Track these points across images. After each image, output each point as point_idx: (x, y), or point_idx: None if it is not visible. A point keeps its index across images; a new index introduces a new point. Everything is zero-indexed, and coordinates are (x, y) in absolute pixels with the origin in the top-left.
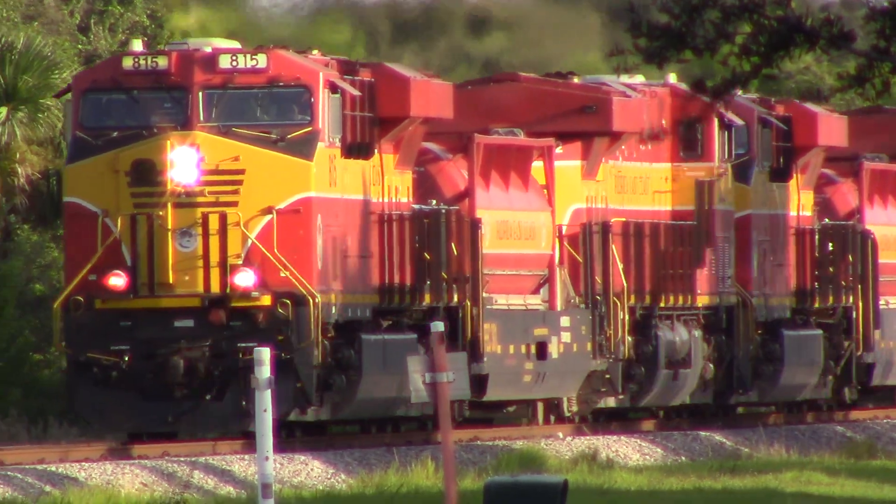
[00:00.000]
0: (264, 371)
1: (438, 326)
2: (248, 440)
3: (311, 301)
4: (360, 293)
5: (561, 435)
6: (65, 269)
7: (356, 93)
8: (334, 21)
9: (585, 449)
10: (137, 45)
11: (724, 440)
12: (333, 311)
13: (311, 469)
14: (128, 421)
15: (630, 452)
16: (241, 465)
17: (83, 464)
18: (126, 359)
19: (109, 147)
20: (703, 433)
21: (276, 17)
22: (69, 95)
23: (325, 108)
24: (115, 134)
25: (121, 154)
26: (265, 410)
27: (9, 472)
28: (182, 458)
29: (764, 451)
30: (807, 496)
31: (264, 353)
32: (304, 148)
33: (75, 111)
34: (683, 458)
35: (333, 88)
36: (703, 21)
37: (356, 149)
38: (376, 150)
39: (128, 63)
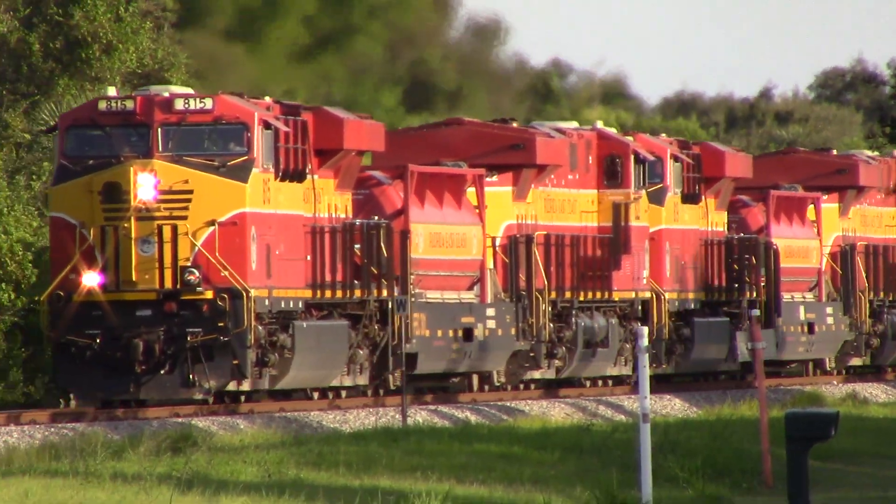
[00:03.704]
0: (644, 341)
1: (755, 312)
2: (634, 387)
3: (245, 295)
4: (291, 289)
5: (835, 383)
6: (50, 270)
7: (286, 129)
8: (689, 112)
9: (849, 391)
10: (111, 90)
11: None
12: (266, 303)
13: (674, 404)
14: (99, 390)
15: (879, 393)
16: (629, 402)
17: (527, 401)
18: (97, 341)
19: (86, 172)
20: None
21: (652, 111)
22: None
23: (260, 141)
24: (91, 161)
25: (95, 178)
26: (644, 366)
27: (479, 406)
28: (591, 398)
29: None
30: None
31: (644, 330)
32: (241, 173)
33: (61, 143)
34: None
35: (267, 125)
36: None
37: (289, 174)
38: (312, 175)
39: (102, 105)
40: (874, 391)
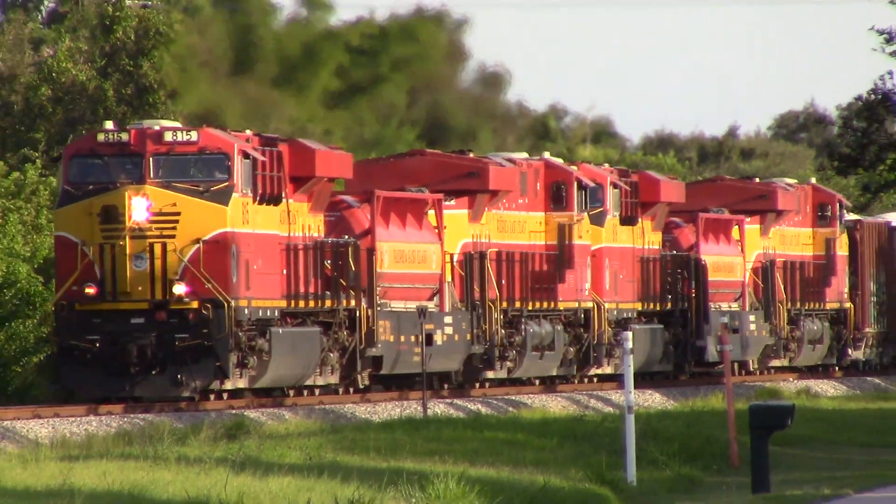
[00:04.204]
0: (629, 343)
1: (724, 320)
2: (620, 382)
3: (226, 305)
4: (268, 299)
5: (791, 379)
6: (55, 282)
7: (263, 158)
8: (666, 149)
9: (803, 387)
10: (109, 124)
11: (881, 382)
12: (246, 312)
13: (654, 398)
14: (98, 389)
15: (828, 389)
16: (616, 396)
17: (529, 395)
18: (97, 345)
19: (87, 196)
20: (868, 378)
21: (635, 148)
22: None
23: (239, 169)
24: (91, 187)
25: (94, 201)
26: (629, 366)
27: (489, 400)
28: (584, 392)
29: None
30: None
31: (628, 334)
32: (222, 197)
33: (65, 171)
34: (857, 392)
35: (245, 155)
36: (868, 152)
37: (266, 198)
38: (287, 199)
39: (101, 137)
40: (824, 387)
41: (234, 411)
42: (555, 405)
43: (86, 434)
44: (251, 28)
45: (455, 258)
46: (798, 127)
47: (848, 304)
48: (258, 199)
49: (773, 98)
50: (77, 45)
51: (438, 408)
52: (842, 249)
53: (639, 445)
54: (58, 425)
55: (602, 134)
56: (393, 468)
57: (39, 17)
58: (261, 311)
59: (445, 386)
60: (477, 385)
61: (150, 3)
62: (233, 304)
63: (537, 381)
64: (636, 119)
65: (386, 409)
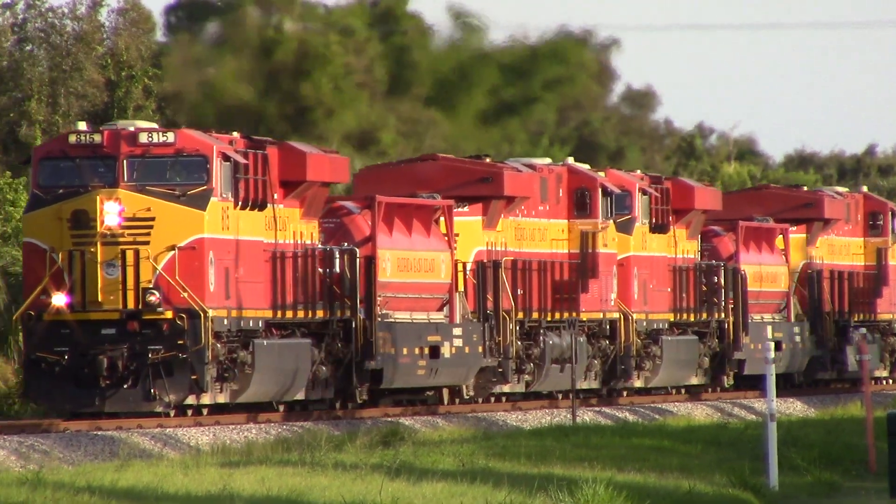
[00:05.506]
0: (771, 352)
1: (863, 331)
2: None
3: (202, 315)
4: (252, 309)
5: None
6: (23, 291)
7: (245, 161)
8: (807, 167)
9: None
10: (81, 125)
11: None
12: (225, 322)
13: (795, 406)
14: (67, 402)
15: None
16: (759, 404)
17: (675, 403)
18: (65, 357)
19: (56, 200)
20: None
21: (777, 165)
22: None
23: (218, 172)
24: (61, 191)
25: (64, 205)
26: (771, 374)
27: (635, 408)
28: (727, 401)
29: None
30: None
31: (770, 344)
32: (200, 201)
33: (34, 174)
34: None
35: (226, 157)
36: None
37: (249, 202)
38: (275, 204)
39: (73, 138)
40: None
41: (389, 419)
42: (699, 413)
43: (245, 441)
44: (406, 49)
45: (468, 267)
46: None
47: None
48: (240, 203)
49: None
50: (239, 65)
51: (587, 416)
52: (894, 259)
53: (780, 452)
54: (218, 433)
55: (745, 152)
56: (543, 474)
57: (203, 39)
58: (242, 322)
59: (456, 400)
60: (492, 399)
61: (309, 25)
62: (210, 313)
63: (560, 396)
64: (778, 137)
65: (536, 416)
